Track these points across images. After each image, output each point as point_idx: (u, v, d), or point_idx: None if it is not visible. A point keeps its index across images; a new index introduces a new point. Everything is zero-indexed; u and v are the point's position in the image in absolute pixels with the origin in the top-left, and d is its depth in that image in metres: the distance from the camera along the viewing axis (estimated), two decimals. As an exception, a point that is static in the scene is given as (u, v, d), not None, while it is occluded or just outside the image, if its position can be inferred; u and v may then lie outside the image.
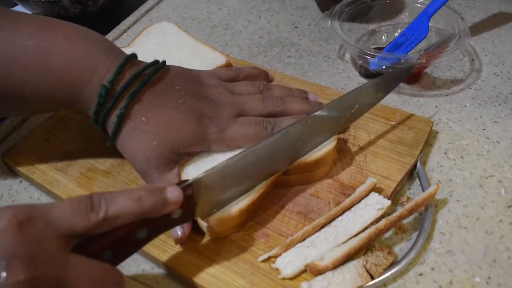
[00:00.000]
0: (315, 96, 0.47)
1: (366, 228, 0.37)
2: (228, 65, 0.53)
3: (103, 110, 0.38)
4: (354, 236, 0.36)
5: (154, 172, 0.39)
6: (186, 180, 0.33)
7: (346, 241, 0.36)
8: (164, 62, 0.42)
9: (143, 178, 0.40)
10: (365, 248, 0.36)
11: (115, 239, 0.30)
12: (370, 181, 0.39)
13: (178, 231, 0.37)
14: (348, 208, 0.38)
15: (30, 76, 0.38)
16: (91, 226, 0.28)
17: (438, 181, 0.43)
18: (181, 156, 0.39)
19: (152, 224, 0.31)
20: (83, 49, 0.39)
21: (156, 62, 0.41)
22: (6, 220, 0.25)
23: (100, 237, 0.29)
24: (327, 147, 0.41)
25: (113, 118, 0.38)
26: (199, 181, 0.33)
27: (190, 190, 0.33)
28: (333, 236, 0.36)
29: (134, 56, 0.41)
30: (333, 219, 0.38)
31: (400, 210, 0.37)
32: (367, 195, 0.39)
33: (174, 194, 0.31)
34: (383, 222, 0.36)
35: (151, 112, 0.39)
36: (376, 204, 0.38)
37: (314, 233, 0.37)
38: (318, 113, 0.40)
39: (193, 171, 0.40)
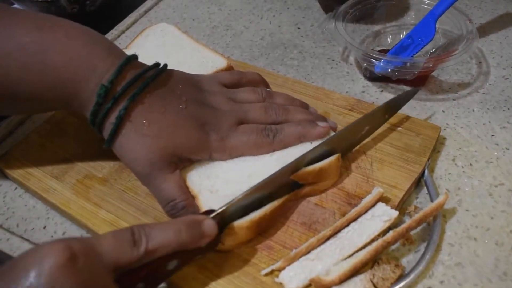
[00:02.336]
0: (314, 109, 0.46)
1: (372, 240, 0.35)
2: (229, 68, 0.51)
3: (102, 111, 0.37)
4: (361, 248, 0.35)
5: (157, 175, 0.38)
6: (213, 210, 0.34)
7: (352, 254, 0.35)
8: (166, 65, 0.41)
9: (143, 181, 0.39)
10: (372, 261, 0.35)
11: (148, 272, 0.30)
12: (377, 191, 0.38)
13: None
14: (354, 219, 0.37)
15: (27, 73, 0.37)
16: (133, 260, 0.29)
17: (447, 189, 0.42)
18: (181, 160, 0.39)
19: (183, 255, 0.32)
20: (82, 47, 0.38)
21: (157, 64, 0.40)
22: (59, 254, 0.26)
23: (135, 269, 0.30)
24: (330, 158, 0.40)
25: (111, 119, 0.37)
26: (223, 212, 0.34)
27: (217, 220, 0.34)
28: (338, 249, 0.35)
29: (135, 57, 0.40)
30: (339, 230, 0.37)
31: (408, 222, 0.35)
32: (373, 205, 0.38)
33: (210, 227, 0.33)
34: (390, 234, 0.35)
35: (153, 116, 0.37)
36: (383, 215, 0.36)
37: (319, 245, 0.36)
38: (329, 138, 0.40)
39: (196, 176, 0.39)
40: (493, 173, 0.43)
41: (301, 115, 0.43)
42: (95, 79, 0.37)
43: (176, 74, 0.41)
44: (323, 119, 0.44)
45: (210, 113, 0.40)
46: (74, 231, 0.42)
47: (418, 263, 0.36)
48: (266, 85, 0.47)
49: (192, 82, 0.42)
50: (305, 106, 0.45)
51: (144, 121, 0.37)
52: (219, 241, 0.35)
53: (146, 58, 0.41)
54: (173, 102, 0.39)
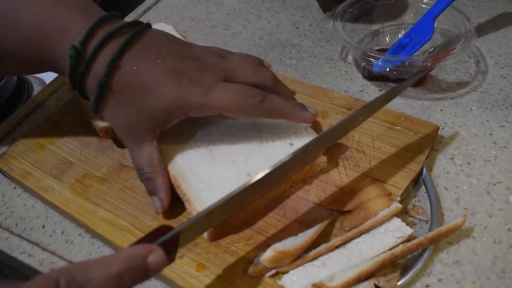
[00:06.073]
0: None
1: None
2: None
3: (78, 74, 0.37)
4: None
5: (134, 141, 0.38)
6: (171, 228, 0.29)
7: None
8: (148, 24, 0.39)
9: (124, 144, 0.40)
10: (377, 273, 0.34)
11: None
12: (395, 206, 0.37)
13: (157, 202, 0.38)
14: (367, 231, 0.36)
15: (0, 35, 0.37)
16: None
17: (445, 187, 0.42)
18: (159, 125, 0.37)
19: None
20: (54, 8, 0.37)
21: (138, 22, 0.38)
22: None
23: None
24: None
25: (92, 86, 0.37)
26: (185, 231, 0.30)
27: (175, 242, 0.29)
28: (346, 258, 0.35)
29: (112, 15, 0.38)
30: (349, 240, 0.36)
31: (420, 238, 0.35)
32: (389, 219, 0.37)
33: (156, 260, 0.27)
34: (400, 248, 0.34)
35: (127, 77, 0.36)
36: (396, 232, 0.36)
37: (327, 253, 0.35)
38: (318, 138, 0.37)
39: (182, 160, 0.40)
40: (491, 172, 0.43)
41: (289, 93, 0.41)
42: (67, 41, 0.36)
43: (159, 32, 0.39)
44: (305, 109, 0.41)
45: (193, 65, 0.37)
46: (73, 230, 0.42)
47: (416, 261, 0.36)
48: (260, 62, 0.44)
49: (177, 39, 0.40)
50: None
51: (119, 84, 0.36)
52: (174, 256, 0.30)
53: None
54: (149, 59, 0.36)
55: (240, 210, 0.37)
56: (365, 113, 0.39)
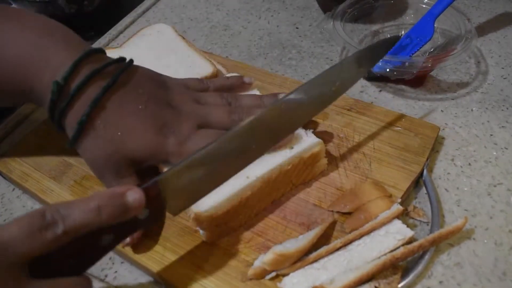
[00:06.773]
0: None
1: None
2: (213, 75, 0.51)
3: (58, 108, 0.36)
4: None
5: (112, 179, 0.37)
6: (151, 179, 0.31)
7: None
8: (131, 61, 0.39)
9: (101, 181, 0.39)
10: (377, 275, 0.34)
11: (77, 249, 0.28)
12: (395, 208, 0.37)
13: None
14: (367, 233, 0.36)
15: None
16: (47, 245, 0.26)
17: (448, 190, 0.42)
18: (138, 163, 0.38)
19: (117, 229, 0.30)
20: (36, 40, 0.37)
21: (122, 59, 0.39)
22: None
23: (60, 249, 0.27)
24: (316, 146, 0.39)
25: (72, 122, 0.36)
26: (165, 179, 0.31)
27: (155, 189, 0.31)
28: (346, 261, 0.34)
29: (97, 50, 0.38)
30: (350, 242, 0.36)
31: (421, 240, 0.35)
32: (389, 221, 0.37)
33: (134, 197, 0.29)
34: (400, 250, 0.34)
35: (109, 116, 0.37)
36: (397, 234, 0.35)
37: (327, 255, 0.35)
38: (293, 95, 0.36)
39: None
40: (492, 173, 0.43)
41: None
42: (49, 73, 0.36)
43: (141, 71, 0.40)
44: None
45: (171, 114, 0.39)
46: (72, 232, 0.42)
47: (417, 263, 0.36)
48: (239, 81, 0.46)
49: (157, 81, 0.41)
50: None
51: (99, 122, 0.36)
52: (163, 213, 0.32)
53: (137, 58, 0.41)
54: (132, 102, 0.38)
55: (227, 176, 0.34)
56: (338, 73, 0.38)
